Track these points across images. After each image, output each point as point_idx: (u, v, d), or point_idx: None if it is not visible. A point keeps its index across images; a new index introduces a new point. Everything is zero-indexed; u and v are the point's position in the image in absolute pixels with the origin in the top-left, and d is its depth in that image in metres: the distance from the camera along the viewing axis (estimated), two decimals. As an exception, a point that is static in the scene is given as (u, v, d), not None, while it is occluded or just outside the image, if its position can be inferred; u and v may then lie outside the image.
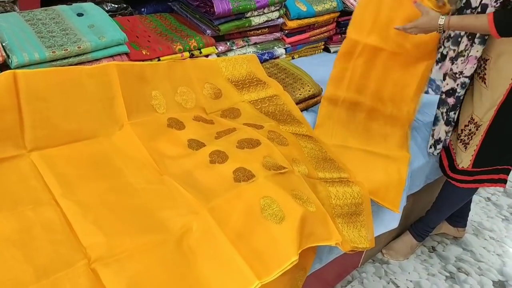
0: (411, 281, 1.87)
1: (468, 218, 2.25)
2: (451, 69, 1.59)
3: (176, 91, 1.60)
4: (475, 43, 1.48)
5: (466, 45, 1.51)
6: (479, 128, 1.58)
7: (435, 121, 1.73)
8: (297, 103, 1.79)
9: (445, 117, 1.67)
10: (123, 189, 1.22)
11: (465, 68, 1.53)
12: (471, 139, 1.62)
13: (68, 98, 1.35)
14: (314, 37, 2.29)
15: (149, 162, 1.32)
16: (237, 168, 1.26)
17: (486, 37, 1.46)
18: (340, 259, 1.56)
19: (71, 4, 1.58)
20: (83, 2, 1.68)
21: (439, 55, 1.65)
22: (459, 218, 2.06)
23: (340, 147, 1.63)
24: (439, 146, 1.73)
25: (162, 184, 1.25)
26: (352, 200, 1.42)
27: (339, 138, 1.67)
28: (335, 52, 2.46)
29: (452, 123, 1.67)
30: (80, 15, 1.52)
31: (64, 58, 1.38)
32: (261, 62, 1.94)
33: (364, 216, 1.44)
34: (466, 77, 1.54)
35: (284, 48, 2.12)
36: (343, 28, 2.43)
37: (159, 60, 1.62)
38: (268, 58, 2.02)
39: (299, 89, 1.83)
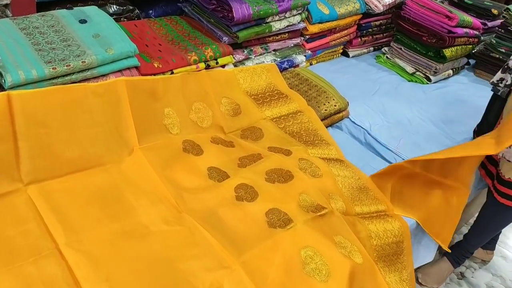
0: (440, 311, 1.74)
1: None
2: None
3: (191, 108, 1.42)
4: None
5: None
6: None
7: None
8: (322, 120, 1.62)
9: None
10: (137, 233, 1.05)
11: None
12: None
13: (70, 122, 1.17)
14: (334, 42, 2.11)
15: (164, 196, 1.15)
16: (270, 209, 1.09)
17: None
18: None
19: (72, 9, 1.38)
20: (84, 5, 1.49)
21: None
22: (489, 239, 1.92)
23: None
24: None
25: (182, 225, 1.08)
26: (393, 238, 1.26)
27: None
28: (354, 56, 2.30)
29: None
30: (83, 22, 1.32)
31: (66, 75, 1.19)
32: (281, 71, 1.76)
33: (405, 256, 1.29)
34: None
35: (304, 55, 1.94)
36: (364, 31, 2.25)
37: (172, 73, 1.43)
38: (287, 66, 1.84)
39: (324, 104, 1.66)
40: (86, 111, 1.20)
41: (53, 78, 1.17)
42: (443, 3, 2.28)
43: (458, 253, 1.75)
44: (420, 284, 1.79)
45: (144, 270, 0.96)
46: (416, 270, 1.79)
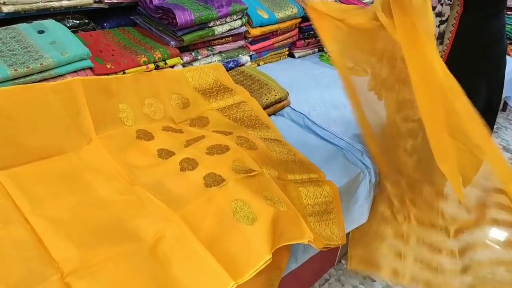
0: (386, 275, 1.92)
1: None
2: None
3: (144, 103, 1.61)
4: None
5: None
6: None
7: None
8: (264, 108, 1.82)
9: None
10: (94, 203, 1.22)
11: None
12: None
13: (33, 116, 1.34)
14: (278, 44, 2.34)
15: (119, 173, 1.32)
16: (207, 174, 1.28)
17: None
18: (316, 258, 1.58)
19: (31, 22, 1.57)
20: (44, 19, 1.68)
21: None
22: None
23: None
24: None
25: (134, 195, 1.25)
26: (322, 199, 1.45)
27: None
28: (300, 57, 2.53)
29: None
30: (41, 32, 1.51)
31: (27, 76, 1.37)
32: (227, 70, 1.97)
33: (334, 214, 1.48)
34: None
35: (249, 56, 2.16)
36: (306, 34, 2.49)
37: (124, 73, 1.63)
38: (233, 66, 2.06)
39: (266, 94, 1.87)
40: (47, 106, 1.37)
41: (15, 79, 1.35)
42: (371, 3, 2.53)
43: None
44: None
45: (98, 228, 1.12)
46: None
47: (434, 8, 1.38)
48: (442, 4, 1.39)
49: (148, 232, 1.12)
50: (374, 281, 1.89)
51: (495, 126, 2.78)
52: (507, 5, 1.75)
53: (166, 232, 1.12)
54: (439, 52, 1.45)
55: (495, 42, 1.44)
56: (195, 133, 1.55)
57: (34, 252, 1.04)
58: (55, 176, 1.29)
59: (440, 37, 1.42)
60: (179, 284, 1.03)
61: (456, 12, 1.38)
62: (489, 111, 1.51)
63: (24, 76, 1.37)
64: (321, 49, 2.63)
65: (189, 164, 1.34)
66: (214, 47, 2.02)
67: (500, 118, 3.47)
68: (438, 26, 1.41)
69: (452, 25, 1.40)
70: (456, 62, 1.40)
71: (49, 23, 1.57)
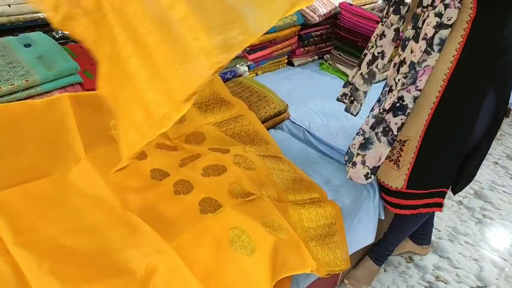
0: (391, 294, 1.85)
1: (443, 224, 2.25)
2: (398, 80, 1.35)
3: (136, 119, 1.53)
4: (433, 51, 1.27)
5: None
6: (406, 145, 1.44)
7: (366, 144, 1.42)
8: (263, 122, 1.74)
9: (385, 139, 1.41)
10: (81, 231, 1.14)
11: (420, 80, 1.31)
12: (401, 157, 1.47)
13: (18, 136, 1.27)
14: (276, 52, 2.26)
15: (109, 197, 1.24)
16: (202, 198, 1.20)
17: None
18: (317, 282, 1.51)
19: (18, 35, 1.49)
20: (32, 31, 1.60)
21: (369, 57, 1.47)
22: (423, 235, 2.01)
23: None
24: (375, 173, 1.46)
25: (124, 221, 1.17)
26: (325, 221, 1.37)
27: None
28: (299, 65, 2.46)
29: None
30: (27, 45, 1.43)
31: (12, 93, 1.29)
32: (224, 81, 1.89)
33: (338, 237, 1.40)
34: (419, 90, 1.33)
35: (247, 66, 2.08)
36: (305, 41, 2.41)
37: (115, 87, 1.54)
38: (231, 76, 1.98)
39: (264, 107, 1.79)
40: (33, 125, 1.29)
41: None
42: (373, 10, 2.46)
43: (379, 251, 1.84)
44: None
45: (86, 262, 1.05)
46: (344, 277, 1.87)
47: (434, 7, 1.26)
48: (446, 6, 1.23)
49: (140, 264, 1.05)
50: (378, 300, 1.82)
51: (498, 133, 2.72)
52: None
53: (158, 265, 1.04)
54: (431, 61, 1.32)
55: (508, 48, 1.34)
56: (190, 151, 1.48)
57: (16, 290, 0.97)
58: (40, 201, 1.21)
59: (440, 44, 1.27)
60: None
61: (469, 15, 1.27)
62: (495, 119, 1.44)
63: (8, 94, 1.29)
64: (321, 56, 2.55)
65: (183, 187, 1.26)
66: (211, 57, 1.94)
67: (504, 125, 3.40)
68: (436, 29, 1.28)
69: (463, 29, 1.28)
70: (467, 70, 1.31)
71: (37, 36, 1.49)
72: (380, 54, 1.45)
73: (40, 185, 1.26)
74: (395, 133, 1.38)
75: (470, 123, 1.41)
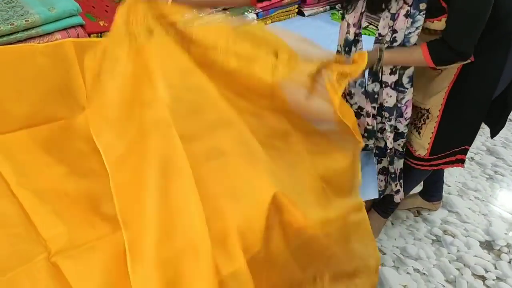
0: (397, 247, 1.84)
1: (453, 179, 2.22)
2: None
3: (141, 64, 1.49)
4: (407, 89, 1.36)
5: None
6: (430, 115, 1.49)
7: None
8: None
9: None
10: (84, 174, 1.13)
11: (407, 113, 1.41)
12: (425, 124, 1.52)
13: (20, 80, 1.23)
14: (287, 0, 2.17)
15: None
16: None
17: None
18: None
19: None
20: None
21: None
22: (433, 192, 1.98)
23: None
24: None
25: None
26: None
27: None
28: (310, 15, 2.36)
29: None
30: (27, -15, 1.38)
31: (11, 34, 1.25)
32: (232, 29, 1.82)
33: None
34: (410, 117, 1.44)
35: (255, 13, 2.00)
36: (318, -11, 2.31)
37: (119, 31, 1.49)
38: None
39: (273, 56, 1.73)
40: (35, 70, 1.25)
41: (-1, 37, 1.23)
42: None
43: (385, 204, 1.82)
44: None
45: (88, 204, 1.05)
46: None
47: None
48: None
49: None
50: (385, 254, 1.81)
51: None
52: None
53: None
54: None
55: None
56: None
57: (21, 229, 0.98)
58: (44, 144, 1.20)
59: (410, 80, 1.38)
60: None
61: None
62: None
63: (8, 35, 1.25)
64: (332, 6, 2.45)
65: None
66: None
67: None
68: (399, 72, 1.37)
69: None
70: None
71: (37, -24, 1.43)
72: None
73: (44, 130, 1.24)
74: (401, 150, 1.52)
75: (495, 79, 1.39)
